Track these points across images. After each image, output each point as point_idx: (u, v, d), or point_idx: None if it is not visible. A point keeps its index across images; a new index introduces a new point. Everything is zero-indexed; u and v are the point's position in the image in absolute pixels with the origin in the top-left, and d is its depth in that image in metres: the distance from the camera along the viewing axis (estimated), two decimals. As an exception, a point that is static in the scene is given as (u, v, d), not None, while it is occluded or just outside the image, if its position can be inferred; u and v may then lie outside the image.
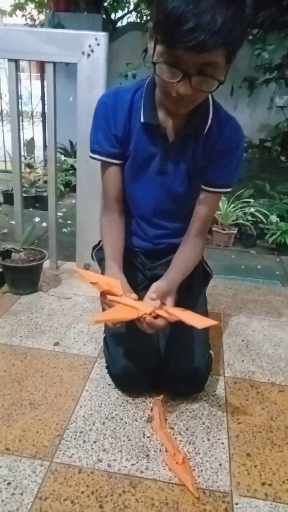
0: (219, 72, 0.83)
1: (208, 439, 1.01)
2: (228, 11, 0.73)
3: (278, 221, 3.92)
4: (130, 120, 1.04)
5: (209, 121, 1.02)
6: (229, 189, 1.11)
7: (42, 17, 6.03)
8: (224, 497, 0.87)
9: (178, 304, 1.21)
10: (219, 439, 1.02)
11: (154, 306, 0.94)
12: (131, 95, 1.03)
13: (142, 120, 1.02)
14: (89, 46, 1.61)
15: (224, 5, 0.73)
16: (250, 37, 3.68)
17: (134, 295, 0.96)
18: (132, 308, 0.92)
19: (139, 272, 1.26)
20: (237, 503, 0.86)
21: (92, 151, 1.09)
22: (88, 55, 1.62)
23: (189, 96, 0.85)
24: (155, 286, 0.98)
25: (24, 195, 2.97)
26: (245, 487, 0.90)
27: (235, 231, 3.92)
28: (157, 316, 0.93)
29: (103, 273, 1.11)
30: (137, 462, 0.93)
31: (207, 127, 1.02)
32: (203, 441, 1.01)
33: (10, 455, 0.93)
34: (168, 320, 0.92)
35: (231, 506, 0.85)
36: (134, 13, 6.71)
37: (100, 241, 1.36)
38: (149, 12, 5.52)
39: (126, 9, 6.65)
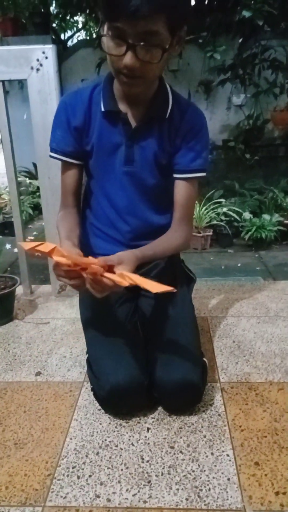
0: (162, 43, 0.84)
1: (212, 453, 0.94)
2: None
3: (252, 217, 3.93)
4: (91, 112, 1.05)
5: (170, 106, 1.04)
6: (203, 173, 1.09)
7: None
8: (237, 516, 0.80)
9: (163, 314, 1.14)
10: (223, 451, 0.95)
11: (106, 265, 0.85)
12: (90, 91, 1.06)
13: (102, 109, 1.03)
14: (37, 60, 1.55)
15: None
16: (200, 41, 3.72)
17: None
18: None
19: None
20: (252, 521, 0.79)
21: (51, 149, 1.10)
22: (37, 69, 1.56)
23: (138, 70, 0.86)
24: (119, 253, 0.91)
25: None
26: (259, 500, 0.83)
27: (211, 233, 3.91)
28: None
29: None
30: (138, 492, 0.85)
31: (169, 111, 1.04)
32: (206, 456, 0.93)
33: (-4, 506, 0.83)
34: (120, 283, 0.82)
35: (246, 525, 0.78)
36: (83, 31, 6.76)
37: None
38: (97, 29, 5.56)
39: (74, 28, 6.69)
